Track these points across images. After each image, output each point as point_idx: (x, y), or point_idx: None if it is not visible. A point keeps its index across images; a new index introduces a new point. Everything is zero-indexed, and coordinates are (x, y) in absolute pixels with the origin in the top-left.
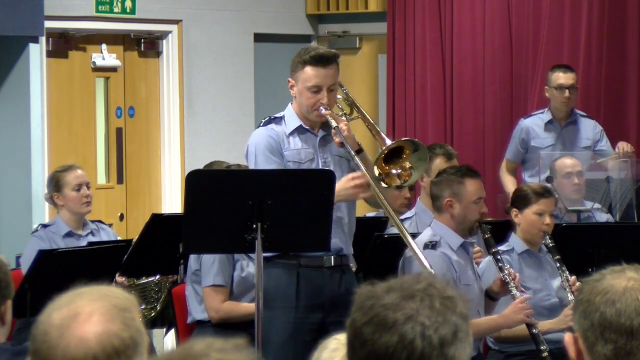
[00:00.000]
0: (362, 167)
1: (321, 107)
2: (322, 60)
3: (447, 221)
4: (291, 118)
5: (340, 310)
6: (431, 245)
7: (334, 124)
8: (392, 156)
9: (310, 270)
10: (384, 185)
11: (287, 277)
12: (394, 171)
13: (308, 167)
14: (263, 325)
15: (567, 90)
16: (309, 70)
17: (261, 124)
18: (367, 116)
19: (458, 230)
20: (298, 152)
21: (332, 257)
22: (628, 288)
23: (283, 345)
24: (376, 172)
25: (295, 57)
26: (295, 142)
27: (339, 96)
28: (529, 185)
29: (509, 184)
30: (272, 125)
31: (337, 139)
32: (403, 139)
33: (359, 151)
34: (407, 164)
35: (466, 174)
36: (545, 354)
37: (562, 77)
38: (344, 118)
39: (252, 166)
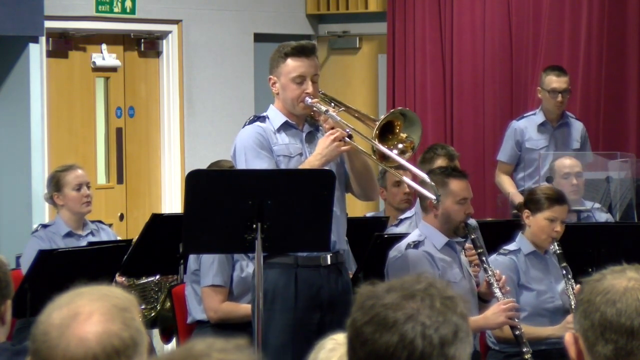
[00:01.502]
0: (338, 119)
1: (306, 98)
2: (303, 51)
3: (432, 221)
4: (276, 116)
5: (338, 310)
6: (413, 245)
7: (323, 108)
8: (386, 133)
9: (307, 270)
10: (391, 165)
11: (285, 279)
12: (395, 150)
13: (297, 161)
14: (262, 327)
15: (560, 95)
16: (291, 62)
17: (246, 124)
18: (350, 106)
19: (443, 229)
20: (287, 147)
21: (329, 256)
22: (628, 288)
23: (282, 347)
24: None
25: (273, 54)
26: (283, 138)
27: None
28: (544, 191)
29: (509, 186)
30: (258, 123)
31: (327, 125)
32: (391, 111)
33: (349, 136)
34: (403, 135)
35: (451, 175)
36: (528, 356)
37: (555, 81)
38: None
39: (241, 164)
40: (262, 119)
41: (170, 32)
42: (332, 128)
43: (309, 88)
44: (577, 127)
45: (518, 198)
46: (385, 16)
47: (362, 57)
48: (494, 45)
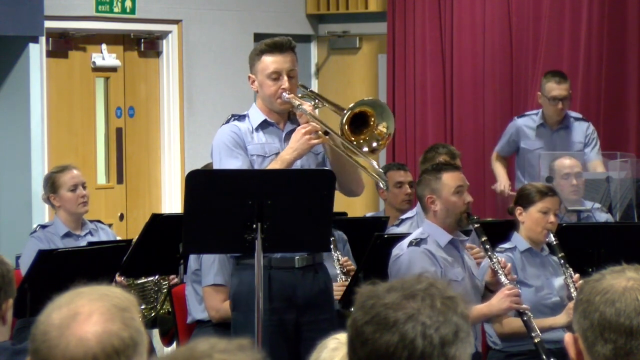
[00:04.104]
0: (312, 116)
1: (283, 94)
2: (277, 47)
3: (433, 219)
4: (255, 114)
5: (314, 310)
6: (415, 243)
7: (297, 103)
8: (361, 126)
9: (281, 272)
10: (366, 150)
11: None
12: (369, 140)
13: (272, 160)
14: (237, 330)
15: (560, 102)
16: (266, 58)
17: (224, 123)
18: (331, 101)
19: (445, 226)
20: (262, 146)
21: (304, 258)
22: (628, 288)
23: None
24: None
25: (251, 53)
26: (260, 137)
27: (299, 94)
28: (534, 185)
29: (499, 169)
30: (235, 122)
31: (302, 120)
32: (357, 102)
33: (326, 133)
34: (382, 127)
35: (442, 169)
36: (538, 339)
37: (555, 89)
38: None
39: (216, 163)
40: (241, 117)
41: (170, 32)
42: (307, 122)
43: (285, 84)
44: (581, 129)
45: (500, 186)
46: (385, 16)
47: (362, 57)
48: (494, 45)
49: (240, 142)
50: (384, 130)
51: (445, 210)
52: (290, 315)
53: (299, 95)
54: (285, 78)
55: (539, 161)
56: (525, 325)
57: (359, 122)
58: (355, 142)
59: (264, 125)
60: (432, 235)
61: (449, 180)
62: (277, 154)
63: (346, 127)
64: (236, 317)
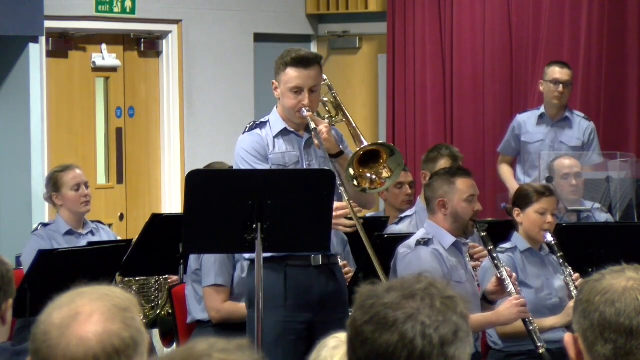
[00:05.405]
0: (345, 196)
1: (303, 109)
2: (303, 62)
3: (440, 221)
4: (276, 121)
5: (329, 310)
6: (423, 242)
7: (313, 125)
8: (369, 160)
9: (297, 270)
10: (355, 183)
11: (274, 277)
12: (368, 174)
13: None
14: (252, 326)
15: (561, 85)
16: (290, 71)
17: (246, 130)
18: (351, 120)
19: (452, 229)
20: (282, 156)
21: (320, 256)
22: (628, 288)
23: (273, 345)
24: (351, 171)
25: (278, 59)
26: (280, 145)
27: (324, 98)
28: (531, 185)
29: (506, 173)
30: (257, 130)
31: (316, 141)
32: (379, 142)
33: (340, 154)
34: (385, 173)
35: (457, 174)
36: (542, 350)
37: (557, 72)
38: (326, 121)
39: None
40: (263, 124)
41: (170, 32)
42: (320, 146)
43: (306, 100)
44: (581, 126)
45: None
46: (385, 16)
47: (362, 57)
48: (494, 45)
49: (262, 151)
50: (385, 174)
51: (454, 214)
52: (306, 313)
53: (324, 98)
54: (306, 94)
55: (539, 159)
56: (530, 336)
57: (370, 156)
58: (357, 173)
59: (284, 133)
60: (437, 236)
61: (462, 186)
62: (296, 162)
63: (357, 160)
64: (253, 315)
